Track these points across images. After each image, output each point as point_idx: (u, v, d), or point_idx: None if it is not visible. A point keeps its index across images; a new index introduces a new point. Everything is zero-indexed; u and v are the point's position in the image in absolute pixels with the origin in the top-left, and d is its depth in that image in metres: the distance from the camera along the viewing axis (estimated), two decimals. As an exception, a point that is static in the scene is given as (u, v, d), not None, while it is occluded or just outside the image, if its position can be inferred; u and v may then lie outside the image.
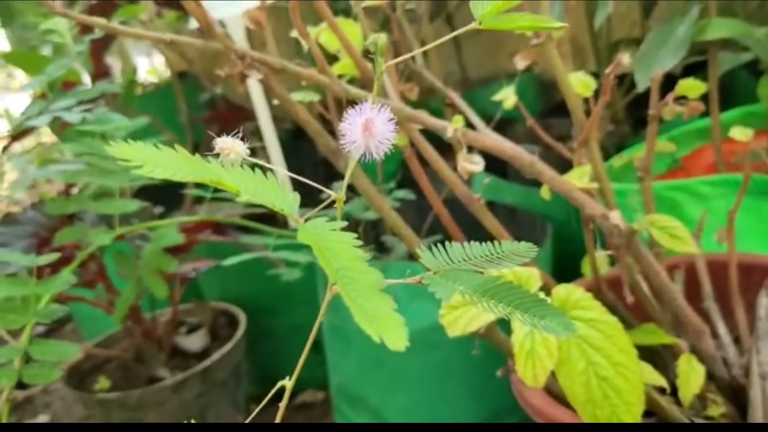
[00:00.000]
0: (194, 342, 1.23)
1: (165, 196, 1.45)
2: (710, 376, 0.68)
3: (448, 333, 0.56)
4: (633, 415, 0.50)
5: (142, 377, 1.15)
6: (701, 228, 0.82)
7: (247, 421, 0.42)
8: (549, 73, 2.03)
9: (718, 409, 0.66)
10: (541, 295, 0.55)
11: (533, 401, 0.66)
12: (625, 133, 1.38)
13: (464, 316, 0.56)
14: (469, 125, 0.83)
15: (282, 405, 0.39)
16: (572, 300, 0.54)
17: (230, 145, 0.37)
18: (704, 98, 0.75)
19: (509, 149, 0.67)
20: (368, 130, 0.33)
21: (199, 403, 1.12)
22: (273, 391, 0.39)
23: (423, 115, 0.67)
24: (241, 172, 0.32)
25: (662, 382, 0.60)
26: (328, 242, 0.31)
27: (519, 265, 0.38)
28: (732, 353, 0.70)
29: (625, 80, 1.44)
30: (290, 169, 0.47)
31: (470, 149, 0.69)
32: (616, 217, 0.62)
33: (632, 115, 1.43)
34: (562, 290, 0.55)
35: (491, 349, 0.93)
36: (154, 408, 1.08)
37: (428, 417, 0.96)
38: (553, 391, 0.67)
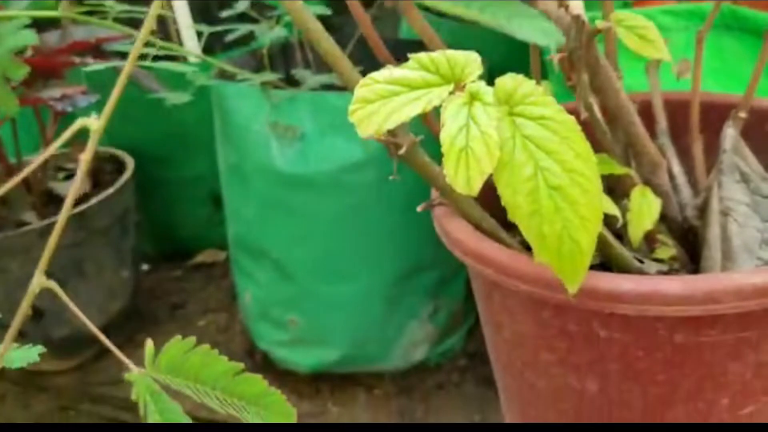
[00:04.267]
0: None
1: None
2: (661, 217, 0.58)
3: (360, 132, 0.43)
4: (588, 233, 0.40)
5: (9, 222, 0.99)
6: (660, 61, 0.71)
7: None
8: None
9: (667, 251, 0.57)
10: (482, 84, 0.43)
11: (458, 236, 0.55)
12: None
13: (381, 111, 0.43)
14: None
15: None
16: (520, 94, 0.42)
17: None
18: None
19: None
20: None
21: (74, 252, 0.97)
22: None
23: None
24: None
25: (615, 211, 0.50)
26: None
27: None
28: (686, 193, 0.61)
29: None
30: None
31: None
32: (577, 6, 0.49)
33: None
34: (508, 81, 0.42)
35: (412, 192, 0.82)
36: (20, 255, 0.92)
37: (338, 271, 0.85)
38: (482, 227, 0.56)
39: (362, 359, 0.90)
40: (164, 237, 1.27)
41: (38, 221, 0.97)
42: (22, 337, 1.02)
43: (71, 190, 0.28)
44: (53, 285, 0.24)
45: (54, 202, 1.06)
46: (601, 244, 0.52)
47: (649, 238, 0.58)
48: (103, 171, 1.12)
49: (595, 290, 0.47)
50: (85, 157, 0.26)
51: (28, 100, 0.90)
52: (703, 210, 0.59)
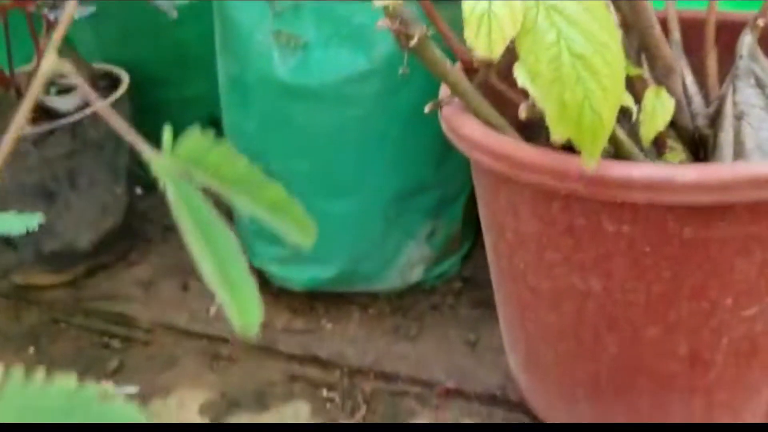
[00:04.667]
0: (66, 102, 1.04)
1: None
2: (672, 125, 0.58)
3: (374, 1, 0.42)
4: (610, 104, 0.39)
5: (1, 132, 0.97)
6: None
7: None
8: None
9: (677, 156, 0.56)
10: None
11: (468, 132, 0.54)
12: None
13: (397, -23, 0.41)
14: None
15: None
16: (544, -36, 0.41)
17: None
18: None
19: None
20: None
21: (67, 163, 0.95)
22: None
23: None
24: None
25: (630, 102, 0.49)
26: None
27: None
28: (698, 103, 0.60)
29: None
30: None
31: None
32: None
33: None
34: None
35: (417, 104, 0.80)
36: (14, 163, 0.91)
37: (340, 186, 0.84)
38: (491, 124, 0.55)
39: (358, 278, 0.89)
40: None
41: (31, 131, 0.95)
42: (14, 248, 1.01)
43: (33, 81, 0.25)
44: (66, 64, 0.23)
45: (47, 116, 1.04)
46: (612, 141, 0.52)
47: (659, 143, 0.57)
48: (97, 87, 1.10)
49: (607, 178, 0.46)
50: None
51: (21, 2, 0.87)
52: (714, 119, 0.58)
